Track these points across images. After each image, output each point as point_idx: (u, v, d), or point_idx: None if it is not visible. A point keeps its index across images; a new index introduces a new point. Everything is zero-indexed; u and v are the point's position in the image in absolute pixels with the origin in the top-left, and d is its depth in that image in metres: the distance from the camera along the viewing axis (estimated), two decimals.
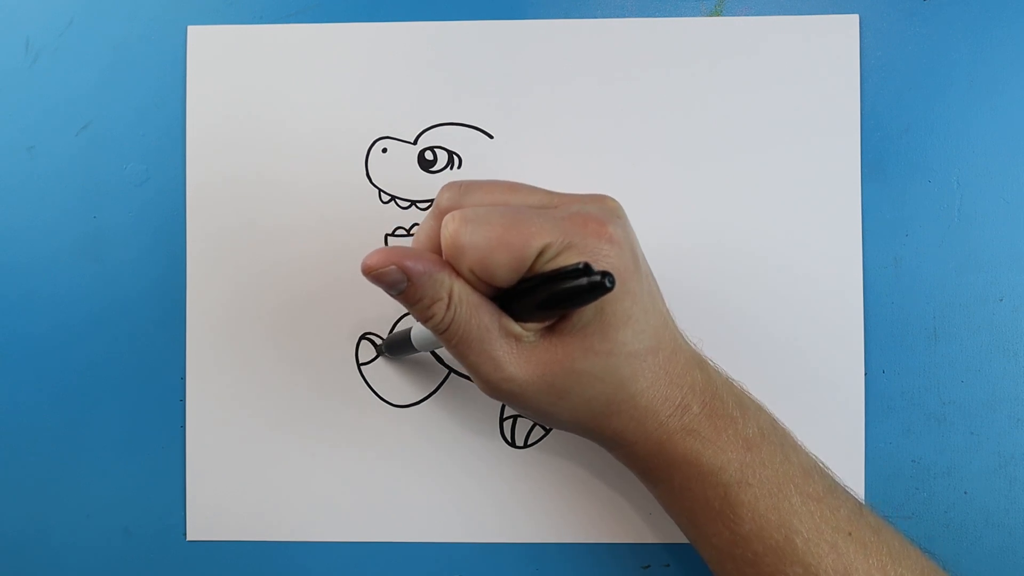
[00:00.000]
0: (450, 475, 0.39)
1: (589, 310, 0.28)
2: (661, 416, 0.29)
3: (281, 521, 0.39)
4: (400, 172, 0.39)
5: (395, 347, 0.37)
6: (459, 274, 0.27)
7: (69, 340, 0.40)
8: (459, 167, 0.39)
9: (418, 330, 0.34)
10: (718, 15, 0.39)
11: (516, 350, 0.28)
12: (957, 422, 0.38)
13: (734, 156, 0.38)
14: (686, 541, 0.38)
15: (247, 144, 0.39)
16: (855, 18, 0.39)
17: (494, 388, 0.29)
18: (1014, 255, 0.38)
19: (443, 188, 0.30)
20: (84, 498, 0.40)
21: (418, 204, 0.39)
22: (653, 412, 0.29)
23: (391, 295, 0.28)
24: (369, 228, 0.39)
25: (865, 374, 0.38)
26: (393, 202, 0.39)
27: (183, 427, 0.39)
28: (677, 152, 0.39)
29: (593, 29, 0.39)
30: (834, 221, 0.38)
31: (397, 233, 0.39)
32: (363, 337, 0.39)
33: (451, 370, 0.39)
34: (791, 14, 0.39)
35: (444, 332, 0.28)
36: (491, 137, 0.39)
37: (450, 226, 0.27)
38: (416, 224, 0.39)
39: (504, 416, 0.39)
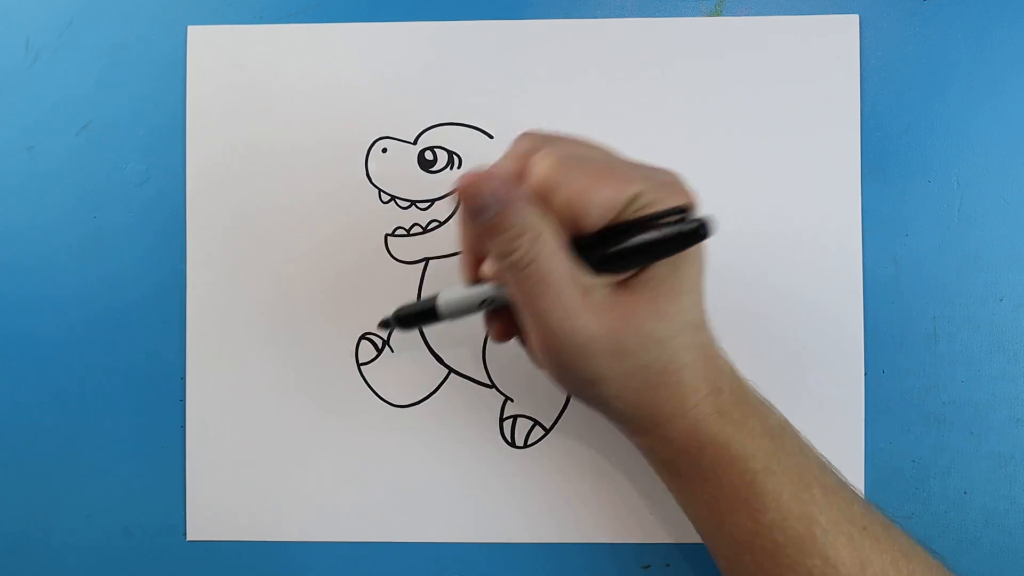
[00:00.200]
0: (450, 475, 0.39)
1: (664, 269, 0.28)
2: (700, 395, 0.29)
3: (281, 521, 0.39)
4: (400, 172, 0.39)
5: (412, 319, 0.35)
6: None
7: (69, 340, 0.40)
8: (459, 167, 0.39)
9: (447, 297, 0.32)
10: (718, 15, 0.39)
11: (586, 302, 0.28)
12: (957, 422, 0.38)
13: (734, 156, 0.38)
14: (686, 541, 0.38)
15: (247, 144, 0.39)
16: (855, 18, 0.39)
17: (559, 339, 0.28)
18: (1014, 255, 0.38)
19: (521, 136, 0.29)
20: (84, 498, 0.40)
21: (418, 204, 0.39)
22: (693, 390, 0.29)
23: (476, 223, 0.27)
24: (369, 228, 0.39)
25: (865, 374, 0.38)
26: (393, 202, 0.39)
27: (183, 427, 0.39)
28: (677, 152, 0.39)
29: (593, 29, 0.39)
30: (834, 221, 0.38)
31: (397, 233, 0.39)
32: (363, 337, 0.39)
33: (451, 370, 0.39)
34: (791, 14, 0.39)
35: (524, 269, 0.27)
36: (491, 137, 0.39)
37: (546, 161, 0.27)
38: (416, 224, 0.39)
39: (504, 416, 0.39)
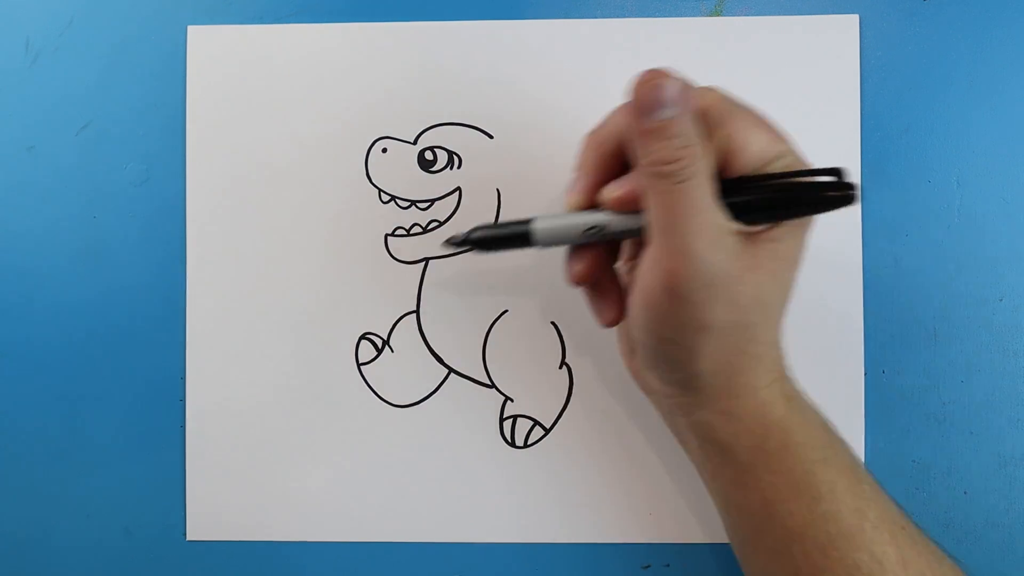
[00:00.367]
0: (450, 475, 0.39)
1: (789, 235, 0.28)
2: (772, 375, 0.29)
3: (281, 521, 0.39)
4: (400, 172, 0.39)
5: (496, 242, 0.32)
6: None
7: (69, 340, 0.40)
8: (459, 167, 0.39)
9: (547, 223, 0.30)
10: (718, 15, 0.39)
11: (725, 240, 0.27)
12: (957, 422, 0.38)
13: None
14: (686, 541, 0.38)
15: (247, 144, 0.39)
16: (855, 18, 0.39)
17: (693, 268, 0.26)
18: (1014, 255, 0.38)
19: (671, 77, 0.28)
20: (84, 498, 0.40)
21: (418, 204, 0.39)
22: (768, 369, 0.29)
23: (645, 121, 0.26)
24: (369, 228, 0.39)
25: (865, 374, 0.38)
26: (393, 202, 0.39)
27: (183, 427, 0.39)
28: None
29: (593, 29, 0.39)
30: (834, 221, 0.38)
31: (397, 233, 0.39)
32: (363, 337, 0.39)
33: (451, 370, 0.39)
34: (791, 14, 0.39)
35: (680, 183, 0.26)
36: (491, 137, 0.39)
37: (713, 93, 0.27)
38: (416, 224, 0.39)
39: (504, 416, 0.39)
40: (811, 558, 0.28)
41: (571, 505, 0.38)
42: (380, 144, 0.39)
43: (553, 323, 0.39)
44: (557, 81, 0.39)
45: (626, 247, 0.33)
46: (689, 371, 0.29)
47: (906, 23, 0.39)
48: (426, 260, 0.39)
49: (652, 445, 0.38)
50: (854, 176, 0.28)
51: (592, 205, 0.30)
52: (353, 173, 0.39)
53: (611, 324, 0.33)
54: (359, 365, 0.39)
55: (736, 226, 0.27)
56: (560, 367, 0.39)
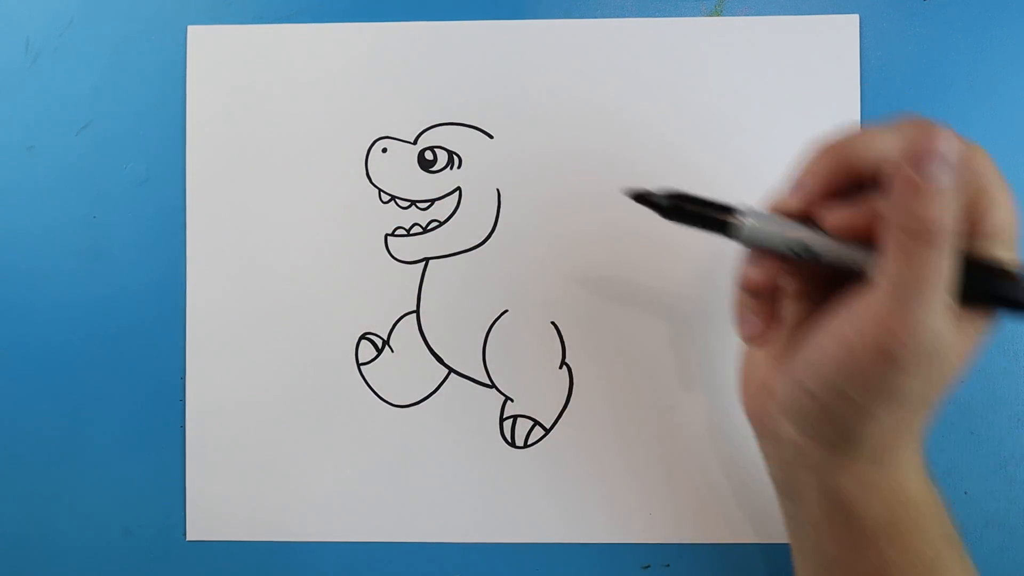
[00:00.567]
0: (450, 475, 0.39)
1: (991, 321, 0.26)
2: (918, 454, 0.29)
3: (281, 521, 0.39)
4: (400, 172, 0.39)
5: (695, 217, 0.29)
6: None
7: (69, 340, 0.40)
8: (459, 167, 0.39)
9: (759, 221, 0.27)
10: (718, 15, 0.39)
11: (951, 314, 0.25)
12: (957, 422, 0.38)
13: (734, 156, 0.38)
14: (686, 541, 0.38)
15: (247, 144, 0.39)
16: (855, 18, 0.39)
17: (915, 335, 0.24)
18: None
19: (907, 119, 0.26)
20: (84, 498, 0.40)
21: (418, 204, 0.39)
22: (916, 448, 0.29)
23: (917, 173, 0.24)
24: (369, 228, 0.39)
25: None
26: (393, 202, 0.39)
27: (183, 427, 0.39)
28: (677, 152, 0.39)
29: (593, 29, 0.39)
30: None
31: (397, 233, 0.39)
32: (363, 337, 0.39)
33: (451, 370, 0.39)
34: (791, 14, 0.39)
35: (932, 242, 0.24)
36: (491, 137, 0.39)
37: (961, 142, 0.25)
38: (416, 224, 0.39)
39: (504, 416, 0.39)
40: None
41: (571, 505, 0.38)
42: (380, 144, 0.39)
43: (553, 323, 0.39)
44: (557, 81, 0.39)
45: (805, 270, 0.29)
46: (852, 434, 0.27)
47: (906, 23, 0.39)
48: (426, 260, 0.39)
49: (652, 445, 0.38)
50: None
51: (803, 215, 0.27)
52: (353, 173, 0.39)
53: (756, 342, 0.30)
54: (359, 365, 0.39)
55: (954, 302, 0.25)
56: (560, 367, 0.39)
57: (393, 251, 0.39)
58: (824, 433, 0.28)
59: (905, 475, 0.28)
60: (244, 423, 0.39)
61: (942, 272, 0.24)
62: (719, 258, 0.38)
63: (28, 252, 0.40)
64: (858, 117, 0.38)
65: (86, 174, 0.40)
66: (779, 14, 0.39)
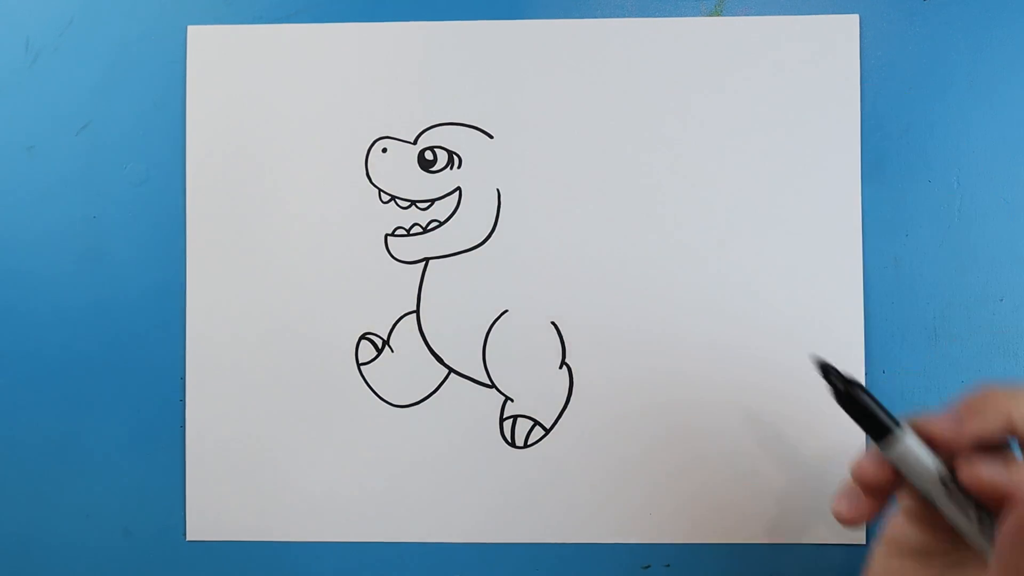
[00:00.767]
0: (450, 475, 0.39)
1: None
2: None
3: (281, 521, 0.39)
4: (400, 172, 0.39)
5: (862, 413, 0.29)
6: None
7: (69, 340, 0.40)
8: (459, 167, 0.39)
9: (914, 445, 0.27)
10: (718, 15, 0.39)
11: None
12: None
13: (734, 156, 0.38)
14: (686, 541, 0.38)
15: (247, 144, 0.39)
16: (855, 18, 0.39)
17: None
18: (1014, 255, 0.38)
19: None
20: (84, 498, 0.40)
21: (418, 204, 0.39)
22: None
23: (977, 433, 0.25)
24: (369, 228, 0.39)
25: (865, 374, 0.38)
26: (393, 202, 0.39)
27: (183, 427, 0.39)
28: (677, 152, 0.39)
29: (593, 29, 0.39)
30: (834, 221, 0.38)
31: (397, 233, 0.39)
32: (363, 337, 0.39)
33: (451, 370, 0.39)
34: (791, 14, 0.39)
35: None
36: (491, 137, 0.39)
37: None
38: (416, 224, 0.39)
39: (504, 416, 0.39)
40: None
41: (571, 505, 0.38)
42: (380, 144, 0.39)
43: (553, 323, 0.39)
44: (557, 81, 0.39)
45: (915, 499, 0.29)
46: None
47: (906, 23, 0.39)
48: (426, 260, 0.39)
49: (652, 445, 0.38)
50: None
51: (949, 458, 0.27)
52: (353, 173, 0.39)
53: (847, 524, 0.30)
54: (359, 365, 0.39)
55: None
56: (560, 367, 0.39)
57: (393, 251, 0.39)
58: None
59: None
60: (244, 423, 0.39)
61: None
62: (719, 258, 0.38)
63: (28, 252, 0.40)
64: (858, 117, 0.38)
65: (86, 174, 0.40)
66: (779, 14, 0.39)
